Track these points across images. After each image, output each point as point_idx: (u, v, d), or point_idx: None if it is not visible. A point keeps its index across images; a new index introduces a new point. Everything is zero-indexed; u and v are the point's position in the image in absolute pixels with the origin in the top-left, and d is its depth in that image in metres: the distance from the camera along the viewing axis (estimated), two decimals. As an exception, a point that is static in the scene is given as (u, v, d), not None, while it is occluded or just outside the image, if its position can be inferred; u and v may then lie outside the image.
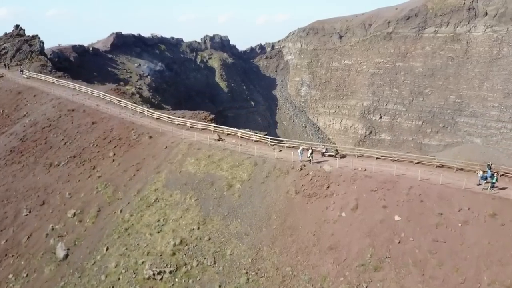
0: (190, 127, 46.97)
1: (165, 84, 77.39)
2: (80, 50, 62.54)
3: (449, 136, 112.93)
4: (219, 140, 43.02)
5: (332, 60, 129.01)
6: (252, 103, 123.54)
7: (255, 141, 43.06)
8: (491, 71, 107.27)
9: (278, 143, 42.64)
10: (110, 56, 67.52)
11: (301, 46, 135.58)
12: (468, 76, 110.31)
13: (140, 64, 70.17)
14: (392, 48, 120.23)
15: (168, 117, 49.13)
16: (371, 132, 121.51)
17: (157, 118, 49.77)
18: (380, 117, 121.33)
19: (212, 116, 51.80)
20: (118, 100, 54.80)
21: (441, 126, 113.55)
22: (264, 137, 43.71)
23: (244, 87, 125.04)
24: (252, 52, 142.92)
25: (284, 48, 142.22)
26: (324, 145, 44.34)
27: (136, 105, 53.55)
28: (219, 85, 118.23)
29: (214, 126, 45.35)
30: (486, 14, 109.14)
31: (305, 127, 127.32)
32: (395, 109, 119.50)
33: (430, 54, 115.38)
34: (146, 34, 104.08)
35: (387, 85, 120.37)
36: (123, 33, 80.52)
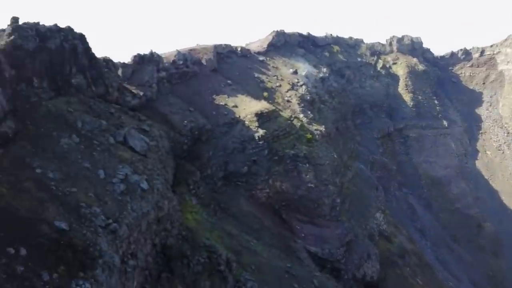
0: None
1: (328, 95, 61.52)
2: (225, 50, 52.37)
3: None
4: None
5: None
6: (445, 122, 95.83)
7: None
8: None
9: None
10: (261, 58, 55.66)
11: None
12: None
13: (296, 70, 56.09)
14: None
15: None
16: None
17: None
18: None
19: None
20: None
21: None
22: None
23: (436, 102, 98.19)
24: (452, 58, 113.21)
25: (499, 55, 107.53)
26: None
27: None
28: (402, 97, 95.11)
29: None
30: None
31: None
32: None
33: None
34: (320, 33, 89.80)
35: None
36: (286, 31, 67.97)
